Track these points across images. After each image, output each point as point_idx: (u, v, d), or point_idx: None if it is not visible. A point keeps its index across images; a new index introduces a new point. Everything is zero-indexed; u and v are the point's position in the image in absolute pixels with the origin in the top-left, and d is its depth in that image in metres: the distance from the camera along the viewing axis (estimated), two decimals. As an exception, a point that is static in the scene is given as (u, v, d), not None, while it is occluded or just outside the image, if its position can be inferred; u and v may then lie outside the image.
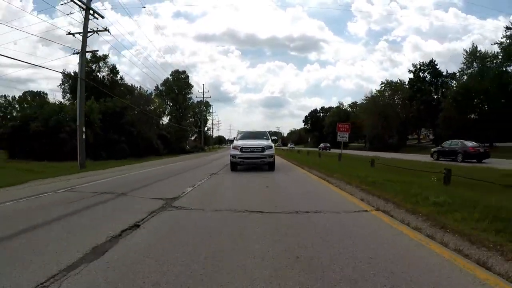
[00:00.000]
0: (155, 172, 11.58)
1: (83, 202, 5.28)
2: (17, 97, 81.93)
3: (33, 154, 20.14)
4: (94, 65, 37.08)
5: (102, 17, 14.91)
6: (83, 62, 14.79)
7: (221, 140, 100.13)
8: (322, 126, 75.77)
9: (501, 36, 27.17)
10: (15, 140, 22.64)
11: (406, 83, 46.48)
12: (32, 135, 21.20)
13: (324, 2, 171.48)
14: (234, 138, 13.82)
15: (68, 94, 51.39)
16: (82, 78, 14.75)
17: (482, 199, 4.48)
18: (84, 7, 13.59)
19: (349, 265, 2.41)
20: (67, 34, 14.59)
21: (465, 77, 31.41)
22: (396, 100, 49.63)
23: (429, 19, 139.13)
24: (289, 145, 71.42)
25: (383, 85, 50.72)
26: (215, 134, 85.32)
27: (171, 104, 57.46)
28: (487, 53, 29.80)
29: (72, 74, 40.11)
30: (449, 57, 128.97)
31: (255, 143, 11.15)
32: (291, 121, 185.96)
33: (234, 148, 11.16)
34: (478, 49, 30.63)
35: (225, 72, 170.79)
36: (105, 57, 37.11)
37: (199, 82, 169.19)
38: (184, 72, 59.52)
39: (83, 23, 14.20)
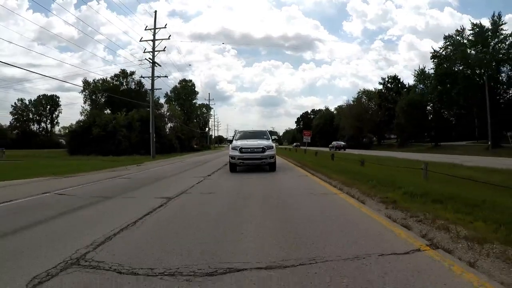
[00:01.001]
0: (195, 160, 20.62)
1: (176, 172, 14.32)
2: (32, 100, 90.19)
3: (94, 152, 28.71)
4: (124, 80, 45.77)
5: (159, 65, 23.98)
6: (152, 97, 23.80)
7: (220, 140, 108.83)
8: (311, 127, 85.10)
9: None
10: (75, 141, 31.41)
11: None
12: (94, 138, 30.01)
13: (319, 2, 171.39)
14: (232, 137, 13.77)
15: (88, 100, 60.96)
16: (152, 106, 23.74)
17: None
18: (151, 62, 22.60)
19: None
20: (140, 76, 23.57)
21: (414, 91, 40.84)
22: (371, 107, 59.04)
23: (424, 18, 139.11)
24: (294, 144, 68.39)
25: (360, 93, 60.16)
26: (214, 134, 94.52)
27: (179, 108, 66.42)
28: (430, 73, 39.11)
29: (92, 82, 49.27)
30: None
31: (255, 143, 10.94)
32: (287, 120, 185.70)
33: (233, 148, 10.91)
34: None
35: (221, 71, 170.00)
36: (132, 73, 45.84)
37: (195, 81, 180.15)
38: (190, 80, 68.55)
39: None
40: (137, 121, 34.09)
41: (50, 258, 2.64)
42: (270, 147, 10.78)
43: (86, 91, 60.29)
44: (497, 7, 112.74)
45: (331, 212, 4.44)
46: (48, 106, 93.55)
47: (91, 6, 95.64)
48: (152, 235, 3.38)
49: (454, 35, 29.41)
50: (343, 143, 40.67)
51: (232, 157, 10.75)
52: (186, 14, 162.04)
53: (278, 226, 3.68)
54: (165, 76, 24.43)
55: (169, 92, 65.95)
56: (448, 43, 29.56)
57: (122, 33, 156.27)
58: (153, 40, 22.90)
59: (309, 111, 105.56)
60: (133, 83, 46.77)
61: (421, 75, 40.05)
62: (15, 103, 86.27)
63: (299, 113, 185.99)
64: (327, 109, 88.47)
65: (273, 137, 13.06)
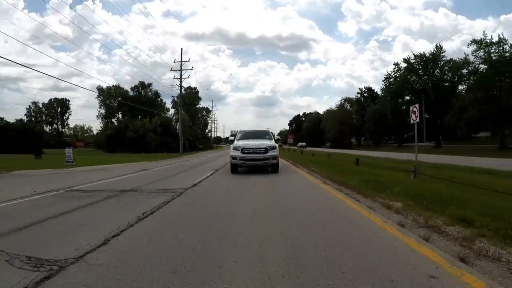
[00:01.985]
0: (212, 155, 29.46)
1: (212, 159, 23.23)
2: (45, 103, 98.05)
3: (127, 150, 37.25)
4: (143, 91, 54.47)
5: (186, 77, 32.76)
6: (181, 104, 32.58)
7: (219, 140, 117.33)
8: (301, 129, 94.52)
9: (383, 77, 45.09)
10: (111, 142, 40.00)
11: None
12: (128, 139, 38.65)
13: (314, 2, 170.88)
14: (231, 136, 13.83)
15: (103, 106, 69.80)
16: (181, 118, 32.55)
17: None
18: (179, 71, 31.44)
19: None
20: (179, 85, 32.34)
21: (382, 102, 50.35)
22: (352, 112, 68.55)
23: (419, 19, 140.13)
24: (298, 144, 70.43)
25: (343, 100, 69.67)
26: (214, 135, 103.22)
27: (184, 113, 75.38)
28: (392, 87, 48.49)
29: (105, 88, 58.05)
30: None
31: (257, 143, 10.79)
32: (283, 120, 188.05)
33: (235, 148, 10.80)
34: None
35: (216, 71, 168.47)
36: (149, 85, 54.55)
37: (190, 82, 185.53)
38: (195, 88, 77.28)
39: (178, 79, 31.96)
40: (159, 126, 42.88)
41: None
42: (273, 148, 10.66)
43: (101, 96, 68.85)
44: (492, 7, 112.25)
45: (284, 167, 13.28)
46: (59, 109, 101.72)
47: (87, 5, 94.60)
48: (220, 176, 11.88)
49: (401, 62, 39.05)
50: (304, 143, 55.83)
51: (234, 158, 10.68)
52: (181, 14, 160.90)
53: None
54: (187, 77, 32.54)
55: (175, 98, 74.73)
56: (396, 68, 39.27)
57: (117, 33, 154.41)
58: (180, 70, 31.83)
59: (300, 114, 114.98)
60: (150, 93, 55.39)
61: (384, 89, 49.63)
62: (29, 106, 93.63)
63: (294, 113, 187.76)
64: (316, 113, 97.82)
65: (276, 137, 11.88)
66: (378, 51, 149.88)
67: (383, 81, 42.35)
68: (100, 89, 69.23)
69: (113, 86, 66.75)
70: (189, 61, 35.01)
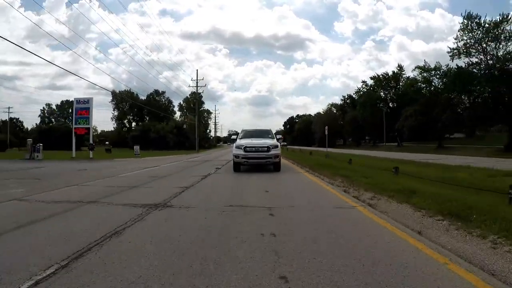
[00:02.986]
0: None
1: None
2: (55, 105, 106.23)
3: (150, 148, 46.82)
4: (158, 97, 63.96)
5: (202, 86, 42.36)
6: (197, 112, 42.23)
7: (218, 139, 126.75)
8: (294, 130, 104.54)
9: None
10: (136, 141, 49.36)
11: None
12: (152, 139, 48.07)
13: (310, 2, 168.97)
14: (233, 135, 14.61)
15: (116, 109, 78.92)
16: (200, 122, 42.21)
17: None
18: (195, 87, 41.04)
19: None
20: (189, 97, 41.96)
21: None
22: (338, 116, 78.61)
23: (415, 19, 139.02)
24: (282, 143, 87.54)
25: (330, 105, 79.71)
26: (212, 134, 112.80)
27: (188, 114, 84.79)
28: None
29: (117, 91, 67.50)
30: (435, 57, 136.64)
31: (260, 142, 10.99)
32: (279, 120, 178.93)
33: (237, 147, 10.95)
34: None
35: (212, 70, 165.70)
36: (163, 92, 64.06)
37: (186, 80, 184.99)
38: (199, 93, 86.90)
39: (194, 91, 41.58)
40: (174, 128, 52.45)
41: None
42: (275, 146, 10.86)
43: (114, 100, 78.13)
44: (487, 8, 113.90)
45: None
46: (70, 110, 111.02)
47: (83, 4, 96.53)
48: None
49: (369, 79, 49.22)
50: (285, 142, 62.69)
51: (236, 156, 10.81)
52: (177, 13, 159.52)
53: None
54: (204, 85, 42.11)
55: (182, 102, 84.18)
56: (363, 85, 49.64)
57: (113, 32, 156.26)
58: (196, 87, 41.50)
59: (294, 116, 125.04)
60: (164, 100, 64.93)
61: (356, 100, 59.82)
62: (43, 107, 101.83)
63: (290, 112, 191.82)
64: (309, 115, 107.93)
65: (278, 136, 12.92)
66: (374, 51, 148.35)
67: (353, 94, 52.53)
68: (114, 93, 78.69)
69: (125, 90, 76.10)
70: (203, 79, 44.65)
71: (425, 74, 36.04)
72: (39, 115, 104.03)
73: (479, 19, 26.47)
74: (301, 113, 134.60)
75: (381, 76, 48.18)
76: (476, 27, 26.75)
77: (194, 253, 2.76)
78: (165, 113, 60.48)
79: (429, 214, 4.05)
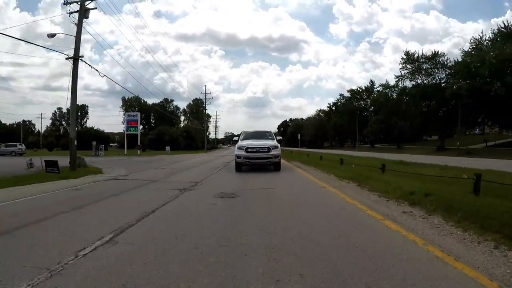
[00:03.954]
0: (226, 152, 48.93)
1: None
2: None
3: (164, 149, 56.49)
4: (167, 105, 73.70)
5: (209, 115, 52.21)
6: (205, 120, 52.01)
7: (217, 141, 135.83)
8: (287, 133, 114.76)
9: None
10: (153, 143, 58.98)
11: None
12: (166, 141, 57.65)
13: (305, 4, 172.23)
14: (235, 136, 13.97)
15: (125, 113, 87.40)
16: (204, 126, 52.06)
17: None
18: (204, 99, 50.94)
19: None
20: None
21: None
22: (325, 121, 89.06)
23: (410, 21, 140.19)
24: None
25: (318, 111, 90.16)
26: (212, 136, 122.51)
27: (191, 118, 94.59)
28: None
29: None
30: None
31: (260, 143, 11.46)
32: (275, 121, 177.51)
33: (239, 148, 11.44)
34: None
35: (208, 72, 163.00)
36: (172, 100, 73.82)
37: (182, 82, 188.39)
38: (201, 99, 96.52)
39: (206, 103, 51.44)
40: (184, 132, 62.22)
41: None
42: (276, 147, 11.39)
43: (124, 107, 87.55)
44: (482, 10, 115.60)
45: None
46: (79, 113, 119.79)
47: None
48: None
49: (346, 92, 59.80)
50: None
51: (238, 157, 11.36)
52: (172, 15, 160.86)
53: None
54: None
55: (185, 108, 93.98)
56: (340, 97, 60.31)
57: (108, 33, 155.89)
58: (205, 100, 51.37)
59: (287, 120, 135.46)
60: (172, 106, 74.72)
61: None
62: (55, 111, 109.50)
63: (286, 114, 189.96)
64: (301, 119, 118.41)
65: (278, 137, 13.24)
66: (369, 53, 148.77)
67: (332, 105, 63.33)
68: (124, 100, 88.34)
69: (133, 97, 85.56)
70: (210, 93, 54.47)
71: (386, 91, 46.59)
72: (50, 118, 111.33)
73: (413, 55, 36.94)
74: (297, 114, 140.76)
75: (356, 89, 58.78)
76: (412, 61, 37.23)
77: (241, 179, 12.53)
78: (175, 118, 70.35)
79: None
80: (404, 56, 37.54)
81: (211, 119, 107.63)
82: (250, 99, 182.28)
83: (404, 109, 40.70)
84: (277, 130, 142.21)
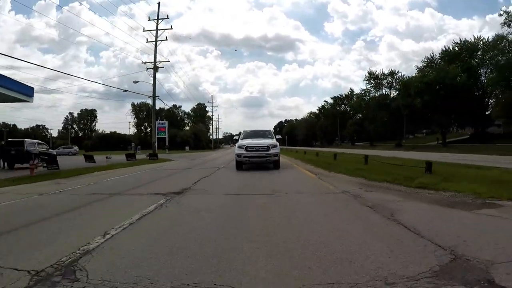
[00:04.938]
0: (229, 150, 59.51)
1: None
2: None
3: (176, 149, 67.07)
4: (175, 110, 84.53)
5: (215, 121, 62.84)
6: (213, 125, 62.72)
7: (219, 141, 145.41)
8: (282, 133, 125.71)
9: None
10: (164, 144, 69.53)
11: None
12: (177, 142, 68.26)
13: (299, 3, 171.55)
14: (236, 136, 15.54)
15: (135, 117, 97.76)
16: (206, 127, 62.79)
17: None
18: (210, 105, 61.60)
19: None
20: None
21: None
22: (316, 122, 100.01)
23: (405, 19, 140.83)
24: None
25: (309, 113, 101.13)
26: (214, 137, 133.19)
27: (195, 121, 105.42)
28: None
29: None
30: (424, 56, 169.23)
31: (260, 142, 11.75)
32: (271, 121, 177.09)
33: (239, 147, 11.69)
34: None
35: (204, 72, 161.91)
36: (179, 106, 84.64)
37: (178, 82, 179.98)
38: (204, 103, 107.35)
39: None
40: (192, 134, 73.00)
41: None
42: (275, 146, 11.66)
43: (133, 111, 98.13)
44: (477, 7, 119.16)
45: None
46: (89, 117, 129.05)
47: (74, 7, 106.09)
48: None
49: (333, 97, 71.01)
50: None
51: (238, 155, 11.62)
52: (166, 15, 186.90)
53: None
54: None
55: (190, 112, 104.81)
56: (325, 103, 71.56)
57: (104, 35, 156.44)
58: (211, 110, 61.96)
59: (283, 121, 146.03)
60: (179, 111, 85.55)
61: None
62: (67, 116, 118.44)
63: (282, 113, 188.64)
64: (296, 120, 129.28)
65: (278, 136, 13.47)
66: (365, 51, 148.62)
67: (320, 108, 74.53)
68: (133, 105, 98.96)
69: (142, 102, 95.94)
70: (217, 103, 64.92)
71: (360, 99, 57.70)
72: (62, 122, 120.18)
73: (374, 73, 48.17)
74: (293, 114, 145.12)
75: (338, 96, 70.22)
76: (374, 78, 48.36)
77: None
78: (183, 122, 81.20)
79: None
80: (368, 74, 48.75)
81: (212, 121, 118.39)
82: (246, 99, 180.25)
83: (371, 115, 51.79)
84: (273, 130, 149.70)
